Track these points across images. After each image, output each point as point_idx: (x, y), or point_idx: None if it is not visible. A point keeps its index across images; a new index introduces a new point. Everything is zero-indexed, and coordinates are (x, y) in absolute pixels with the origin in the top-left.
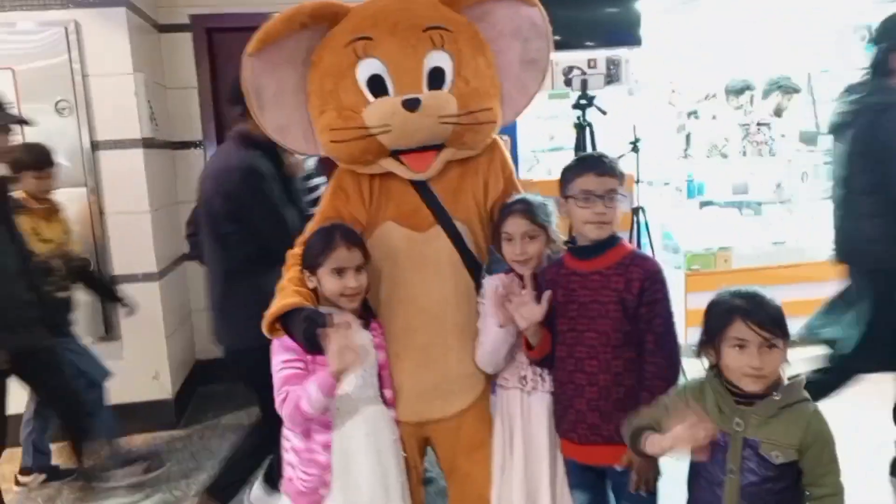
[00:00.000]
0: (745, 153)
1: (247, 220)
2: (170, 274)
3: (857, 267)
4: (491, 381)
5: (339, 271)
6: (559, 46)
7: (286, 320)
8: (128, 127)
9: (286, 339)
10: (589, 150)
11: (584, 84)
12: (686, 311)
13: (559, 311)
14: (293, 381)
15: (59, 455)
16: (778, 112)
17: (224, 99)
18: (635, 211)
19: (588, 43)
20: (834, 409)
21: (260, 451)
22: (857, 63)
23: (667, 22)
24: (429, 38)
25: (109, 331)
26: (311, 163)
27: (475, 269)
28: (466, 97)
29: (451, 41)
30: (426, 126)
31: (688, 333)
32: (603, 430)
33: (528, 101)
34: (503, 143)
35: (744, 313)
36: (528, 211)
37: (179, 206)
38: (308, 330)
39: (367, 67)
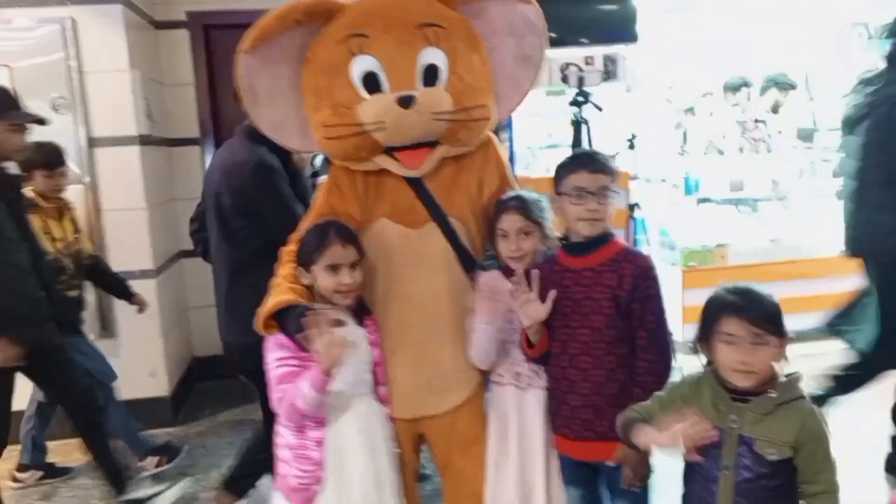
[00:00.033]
0: (741, 150)
1: (256, 215)
2: (166, 271)
3: (872, 260)
4: (485, 378)
5: (334, 268)
6: (555, 43)
7: (280, 317)
8: (124, 124)
9: (280, 337)
10: (585, 147)
11: (580, 81)
12: (683, 307)
13: (553, 308)
14: (288, 379)
15: (56, 453)
16: (775, 109)
17: (229, 95)
18: (631, 208)
19: (584, 40)
20: (830, 406)
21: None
22: (854, 60)
23: (664, 19)
24: (423, 35)
25: (106, 328)
26: (318, 159)
27: (470, 266)
28: (461, 94)
29: (445, 38)
30: (420, 123)
31: (684, 330)
32: (596, 425)
33: (521, 97)
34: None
35: (735, 309)
36: (523, 207)
37: (176, 202)
38: (302, 327)
39: (362, 64)
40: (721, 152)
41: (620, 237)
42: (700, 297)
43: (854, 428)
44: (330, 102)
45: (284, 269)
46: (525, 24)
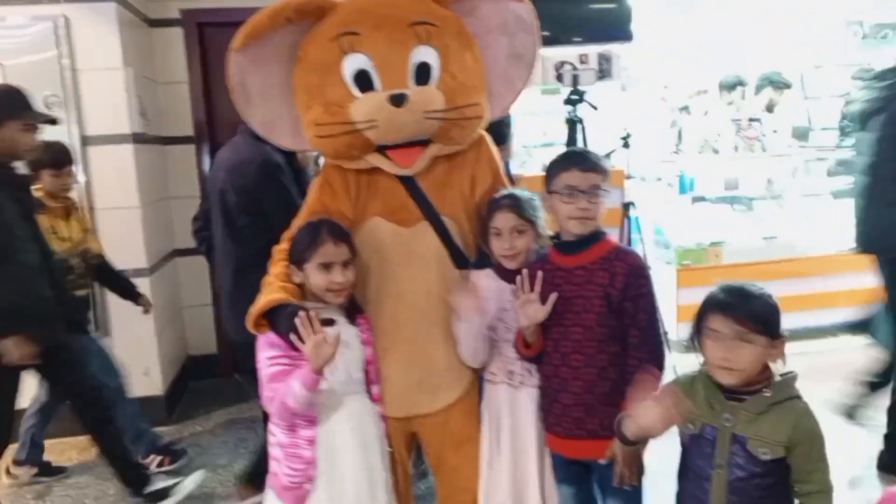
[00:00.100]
0: (736, 149)
1: (261, 213)
2: (160, 269)
3: (885, 256)
4: (478, 376)
5: (326, 266)
6: (549, 42)
7: (272, 316)
8: (118, 122)
9: (271, 336)
10: (580, 145)
11: (575, 79)
12: (677, 306)
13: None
14: (279, 378)
15: (50, 452)
16: (769, 108)
17: (224, 93)
18: (626, 206)
19: (578, 38)
20: (824, 405)
21: None
22: (850, 59)
23: (659, 17)
24: (415, 33)
25: (100, 327)
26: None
27: (462, 264)
28: (453, 92)
29: (437, 36)
30: (413, 121)
31: (679, 329)
32: (588, 423)
33: (514, 96)
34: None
35: (721, 306)
36: (517, 206)
37: (170, 201)
38: (293, 326)
39: (353, 62)
40: (716, 151)
41: (615, 236)
42: (695, 296)
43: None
44: (322, 101)
45: (276, 267)
46: (517, 23)
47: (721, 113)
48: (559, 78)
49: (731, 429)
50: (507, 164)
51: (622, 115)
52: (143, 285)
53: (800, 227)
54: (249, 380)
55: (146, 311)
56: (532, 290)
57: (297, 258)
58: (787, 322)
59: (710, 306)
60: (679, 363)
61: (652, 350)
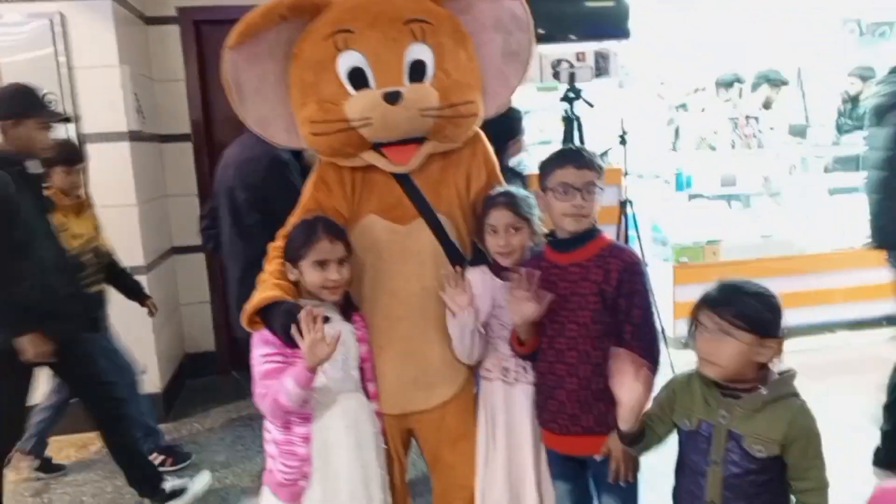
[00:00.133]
0: (733, 146)
1: (270, 211)
2: (158, 267)
3: None
4: (474, 373)
5: (322, 264)
6: (546, 40)
7: (266, 314)
8: (114, 120)
9: (266, 333)
10: (577, 143)
11: (571, 77)
12: (674, 303)
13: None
14: (272, 376)
15: (49, 449)
16: (766, 105)
17: (220, 91)
18: (623, 204)
19: (574, 36)
20: (820, 401)
21: None
22: (846, 56)
23: (656, 15)
24: (409, 31)
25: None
26: None
27: (458, 261)
28: (448, 90)
29: (432, 34)
30: (407, 119)
31: (676, 325)
32: (583, 420)
33: (509, 93)
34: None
35: (708, 300)
36: (512, 203)
37: (167, 199)
38: (287, 323)
39: (348, 60)
40: (713, 148)
41: (612, 233)
42: (691, 293)
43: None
44: (316, 98)
45: (271, 264)
46: (512, 20)
47: (718, 110)
48: (556, 76)
49: (726, 425)
50: (518, 164)
51: (619, 112)
52: (140, 283)
53: (797, 224)
54: (248, 377)
55: (151, 314)
56: (527, 288)
57: (292, 255)
58: (785, 319)
59: (700, 301)
60: (676, 360)
61: (647, 346)
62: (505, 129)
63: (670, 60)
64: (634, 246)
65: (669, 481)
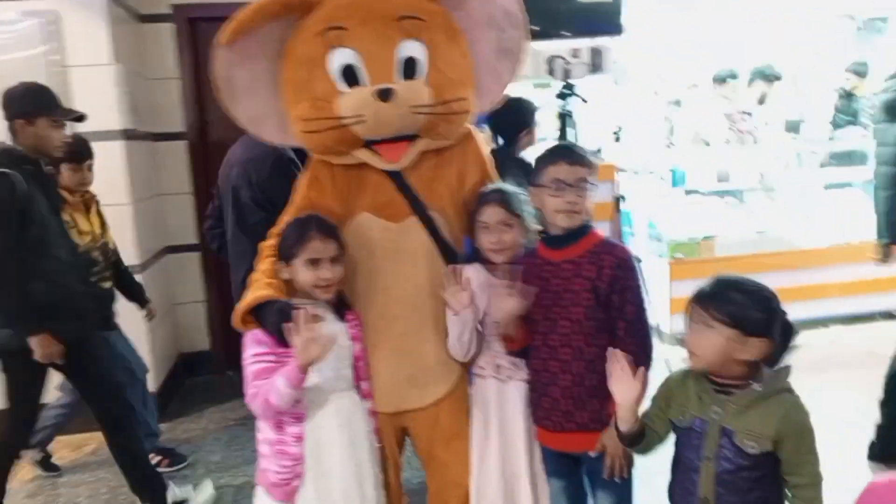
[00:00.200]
0: (728, 142)
1: (274, 209)
2: (152, 266)
3: None
4: (468, 371)
5: (314, 262)
6: (539, 36)
7: (258, 313)
8: (108, 119)
9: (258, 332)
10: (571, 139)
11: (566, 73)
12: (670, 299)
13: (534, 301)
14: (263, 375)
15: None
16: (761, 100)
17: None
18: (618, 200)
19: (567, 33)
20: (814, 396)
21: None
22: (842, 52)
23: (651, 11)
24: (402, 28)
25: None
26: None
27: (451, 259)
28: (440, 87)
29: (424, 30)
30: (400, 116)
31: (672, 321)
32: (577, 417)
33: (502, 90)
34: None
35: (696, 292)
36: (504, 200)
37: (161, 198)
38: (279, 323)
39: (340, 57)
40: (708, 144)
41: (607, 230)
42: (687, 289)
43: (835, 415)
44: (308, 96)
45: (263, 263)
46: (505, 17)
47: (713, 106)
48: (551, 72)
49: (719, 422)
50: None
51: (614, 108)
52: (142, 286)
53: (792, 220)
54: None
55: (150, 319)
56: (513, 283)
57: (284, 254)
58: (780, 320)
59: (693, 294)
60: (672, 356)
61: (640, 342)
62: (517, 120)
63: (665, 56)
64: (629, 242)
65: (664, 478)
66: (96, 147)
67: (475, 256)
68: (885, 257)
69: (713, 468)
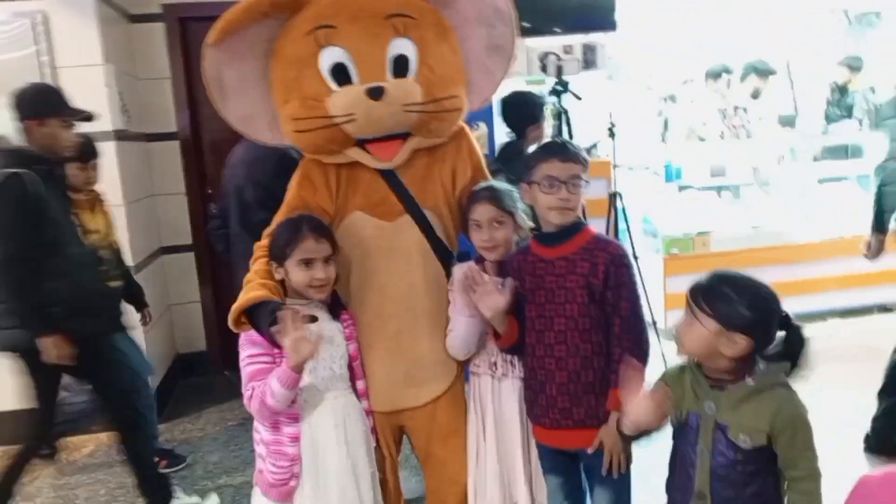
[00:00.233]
0: (722, 137)
1: (279, 209)
2: (147, 268)
3: None
4: (464, 368)
5: (307, 262)
6: (531, 33)
7: (252, 314)
8: (99, 119)
9: (252, 334)
10: (566, 136)
11: (559, 70)
12: (665, 295)
13: (528, 298)
14: (258, 377)
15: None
16: (755, 95)
17: None
18: (612, 196)
19: (559, 29)
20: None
21: None
22: (834, 46)
23: (645, 7)
24: (392, 26)
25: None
26: None
27: (445, 257)
28: (431, 85)
29: (414, 28)
30: (391, 114)
31: (667, 317)
32: (574, 413)
33: (494, 87)
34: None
35: (692, 286)
36: (495, 197)
37: (155, 198)
38: (273, 323)
39: (330, 56)
40: (702, 139)
41: (602, 226)
42: (682, 285)
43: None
44: (299, 95)
45: (256, 264)
46: (495, 14)
47: (707, 101)
48: (543, 69)
49: (713, 416)
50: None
51: (608, 104)
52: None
53: (787, 214)
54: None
55: (145, 324)
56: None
57: (277, 254)
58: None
59: (689, 287)
60: (668, 351)
61: (635, 339)
62: (525, 115)
63: (659, 52)
64: (624, 238)
65: (662, 473)
66: None
67: (472, 254)
68: (875, 253)
69: (708, 462)
